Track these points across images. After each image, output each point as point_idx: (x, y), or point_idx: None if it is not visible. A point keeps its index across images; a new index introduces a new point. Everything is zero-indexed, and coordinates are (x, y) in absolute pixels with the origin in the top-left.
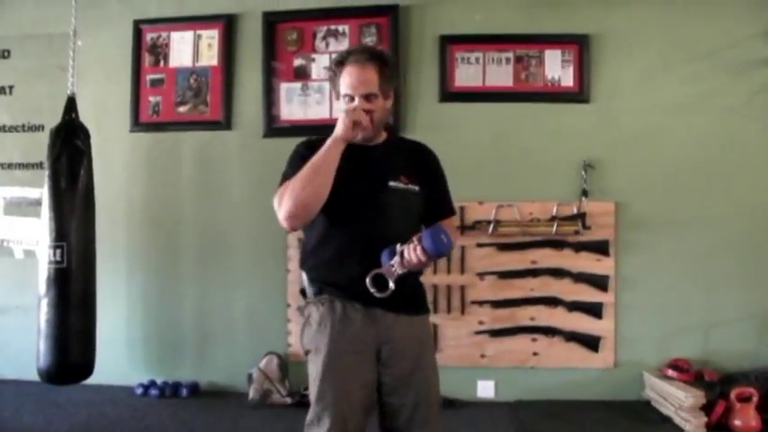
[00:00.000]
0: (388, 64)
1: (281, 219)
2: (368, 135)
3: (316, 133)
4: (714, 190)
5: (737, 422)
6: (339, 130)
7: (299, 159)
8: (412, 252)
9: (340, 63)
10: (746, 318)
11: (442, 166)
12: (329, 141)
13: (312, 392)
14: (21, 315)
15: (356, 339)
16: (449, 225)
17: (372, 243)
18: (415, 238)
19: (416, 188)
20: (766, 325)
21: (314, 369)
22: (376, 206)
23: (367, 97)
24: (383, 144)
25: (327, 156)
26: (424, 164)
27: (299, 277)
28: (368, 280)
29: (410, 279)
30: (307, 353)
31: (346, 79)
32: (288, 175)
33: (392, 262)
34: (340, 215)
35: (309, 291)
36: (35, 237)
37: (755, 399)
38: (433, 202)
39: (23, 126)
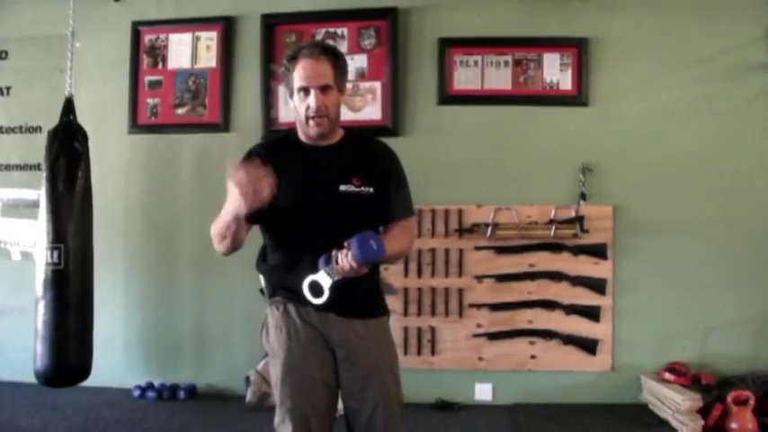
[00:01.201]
0: (339, 58)
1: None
2: (324, 131)
3: None
4: (712, 194)
5: (734, 425)
6: (230, 206)
7: None
8: (343, 258)
9: (293, 58)
10: (743, 321)
11: (398, 163)
12: (226, 217)
13: (275, 395)
14: (17, 317)
15: (311, 342)
16: (403, 227)
17: (322, 250)
18: (346, 243)
19: (370, 189)
20: (763, 329)
21: (274, 372)
22: (326, 212)
23: (323, 89)
24: (337, 144)
25: (225, 214)
26: (378, 163)
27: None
28: (305, 286)
29: (363, 282)
30: (265, 355)
31: (301, 72)
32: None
33: (327, 268)
34: (290, 222)
35: (266, 291)
36: (32, 238)
37: (752, 402)
38: (384, 203)
39: (21, 127)
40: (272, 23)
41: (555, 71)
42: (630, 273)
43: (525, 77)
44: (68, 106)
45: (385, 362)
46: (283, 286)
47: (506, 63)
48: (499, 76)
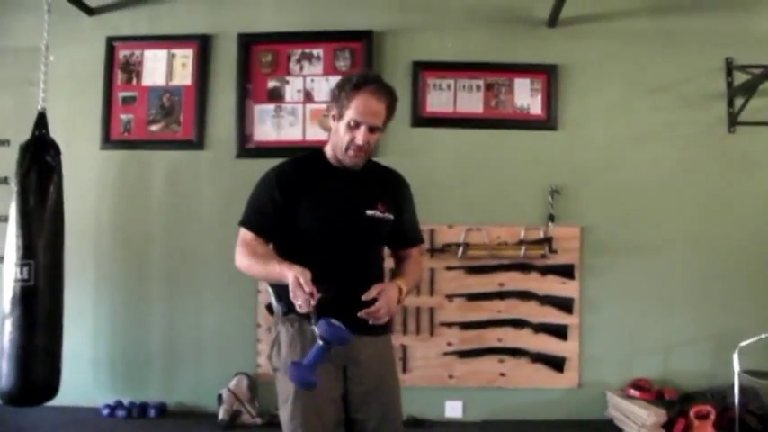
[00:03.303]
0: (396, 101)
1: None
2: (360, 164)
3: (288, 155)
4: (674, 216)
5: None
6: (288, 284)
7: (266, 197)
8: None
9: (356, 87)
10: (703, 339)
11: (411, 193)
12: (278, 271)
13: (285, 410)
14: None
15: (325, 359)
16: (417, 260)
17: (342, 270)
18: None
19: (391, 216)
20: (722, 346)
21: (285, 388)
22: (351, 234)
23: (372, 129)
24: (364, 171)
25: (275, 276)
26: (398, 192)
27: (268, 297)
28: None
29: (373, 303)
30: (275, 370)
31: (359, 106)
32: (252, 209)
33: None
34: (314, 239)
35: (278, 308)
36: None
37: (713, 416)
38: (403, 230)
39: None
40: (248, 43)
41: (525, 96)
42: (596, 292)
43: (497, 101)
44: (41, 120)
45: (390, 376)
46: None
47: (478, 87)
48: (471, 100)
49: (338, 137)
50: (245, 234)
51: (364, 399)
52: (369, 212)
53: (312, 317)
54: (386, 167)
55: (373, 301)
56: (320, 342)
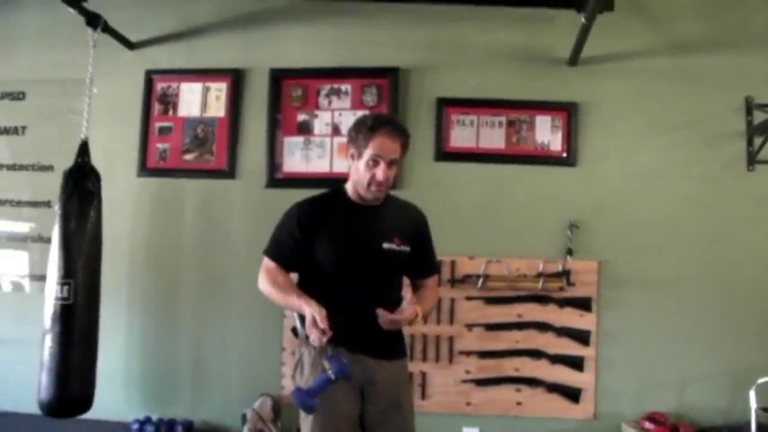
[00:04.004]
0: (408, 138)
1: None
2: (381, 198)
3: (316, 186)
4: (690, 252)
5: None
6: (301, 308)
7: (287, 232)
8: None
9: (372, 129)
10: (719, 374)
11: (428, 226)
12: (297, 305)
13: (306, 425)
14: (20, 349)
15: (344, 380)
16: (432, 289)
17: (360, 299)
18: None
19: (407, 249)
20: (738, 382)
21: None
22: (369, 266)
23: (390, 163)
24: (382, 205)
25: (292, 306)
26: (415, 226)
27: (293, 321)
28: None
29: (390, 329)
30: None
31: (379, 145)
32: (276, 241)
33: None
34: (335, 271)
35: (301, 332)
36: (23, 270)
37: None
38: (420, 262)
39: (33, 165)
40: (279, 77)
41: (546, 132)
42: (613, 325)
43: (518, 138)
44: (83, 148)
45: (405, 397)
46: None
47: (500, 123)
48: (493, 136)
49: (359, 174)
50: (267, 262)
51: (380, 418)
52: (385, 245)
53: (325, 351)
54: (404, 201)
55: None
56: (330, 375)
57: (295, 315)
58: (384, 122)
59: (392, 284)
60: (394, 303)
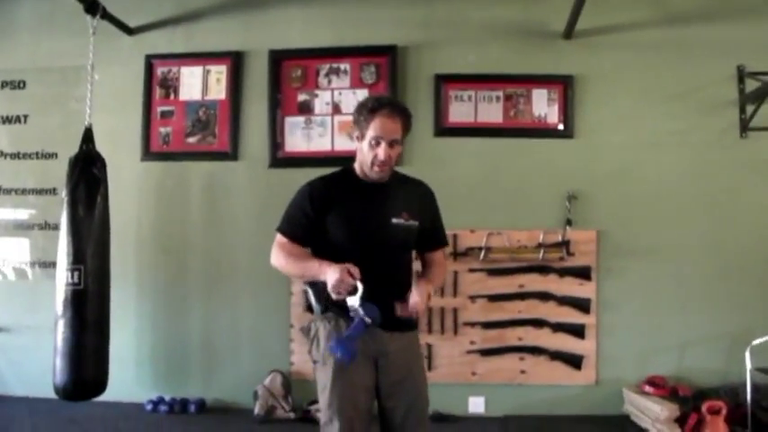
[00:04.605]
0: (409, 118)
1: (271, 263)
2: (385, 177)
3: (319, 165)
4: (686, 220)
5: None
6: (329, 283)
7: (299, 209)
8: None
9: (372, 110)
10: (716, 338)
11: (436, 201)
12: (317, 268)
13: (323, 397)
14: (33, 335)
15: (359, 352)
16: (441, 264)
17: (373, 272)
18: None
19: (416, 223)
20: (734, 344)
21: (323, 378)
22: (379, 240)
23: (391, 143)
24: (389, 182)
25: (311, 275)
26: (423, 201)
27: (300, 298)
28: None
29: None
30: (315, 362)
31: (378, 126)
32: (289, 218)
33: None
34: (347, 247)
35: (316, 307)
36: (25, 257)
37: (724, 411)
38: (428, 236)
39: (37, 153)
40: (279, 58)
41: (543, 106)
42: (613, 293)
43: (515, 111)
44: (87, 135)
45: (417, 368)
46: (336, 303)
47: (498, 98)
48: (491, 110)
49: (363, 154)
50: (280, 238)
51: (393, 388)
52: (394, 220)
53: (339, 326)
54: (411, 178)
55: (405, 297)
56: (366, 320)
57: (309, 291)
58: (384, 104)
59: (402, 259)
60: (404, 278)
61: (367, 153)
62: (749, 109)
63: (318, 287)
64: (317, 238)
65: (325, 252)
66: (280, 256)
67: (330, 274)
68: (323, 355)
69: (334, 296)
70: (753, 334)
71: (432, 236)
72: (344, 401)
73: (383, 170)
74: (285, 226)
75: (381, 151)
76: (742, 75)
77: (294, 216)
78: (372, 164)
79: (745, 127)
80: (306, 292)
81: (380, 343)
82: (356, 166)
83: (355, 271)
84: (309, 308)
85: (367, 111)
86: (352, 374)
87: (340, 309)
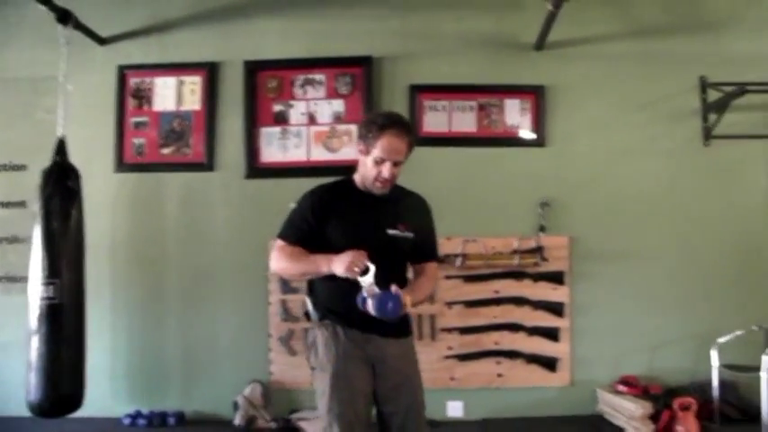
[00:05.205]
0: (414, 138)
1: (271, 268)
2: (386, 193)
3: (295, 175)
4: (656, 225)
5: (680, 428)
6: (340, 268)
7: (301, 217)
8: (369, 308)
9: (382, 128)
10: (685, 338)
11: (431, 214)
12: (324, 263)
13: (322, 403)
14: (1, 352)
15: (355, 359)
16: (430, 276)
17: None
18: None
19: (411, 235)
20: (702, 344)
21: (321, 384)
22: (376, 250)
23: (396, 164)
24: (388, 195)
25: (317, 269)
26: (418, 214)
27: (279, 308)
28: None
29: None
30: (313, 369)
31: (385, 145)
32: (290, 224)
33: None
34: None
35: (314, 315)
36: None
37: (695, 408)
38: (421, 248)
39: (5, 165)
40: (254, 69)
41: (516, 115)
42: (585, 297)
43: (489, 121)
44: (60, 147)
45: (413, 373)
46: (333, 310)
47: (471, 108)
48: (465, 120)
49: (366, 169)
50: (280, 243)
51: (391, 393)
52: (391, 232)
53: (336, 333)
54: (409, 191)
55: None
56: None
57: (307, 300)
58: (394, 122)
59: (398, 268)
60: (400, 286)
61: (371, 168)
62: (711, 118)
63: (317, 295)
64: (316, 245)
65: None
66: (281, 258)
67: (340, 259)
68: (322, 362)
69: (350, 276)
70: (718, 333)
71: (424, 249)
72: (344, 406)
73: (385, 187)
74: (286, 231)
75: (386, 170)
76: (704, 85)
77: (295, 222)
78: (375, 180)
79: (708, 135)
80: (305, 301)
81: (378, 349)
82: (357, 177)
83: (363, 253)
84: (307, 315)
85: (377, 128)
86: (350, 380)
87: (337, 316)
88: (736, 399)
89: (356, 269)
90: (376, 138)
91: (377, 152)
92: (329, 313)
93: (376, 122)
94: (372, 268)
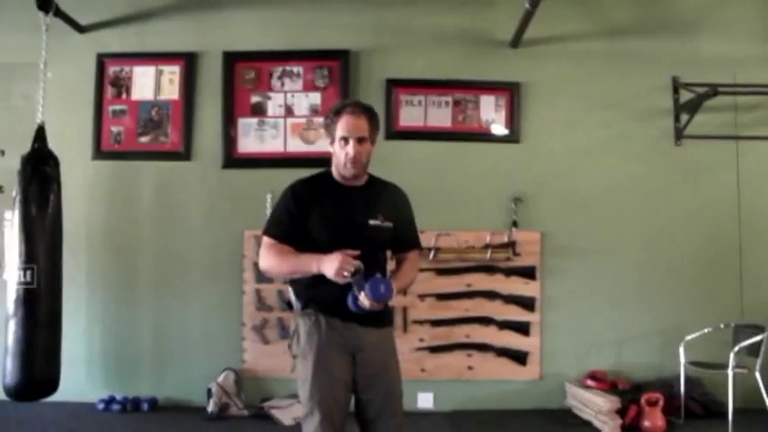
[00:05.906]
0: (374, 116)
1: (260, 266)
2: (357, 173)
3: (272, 166)
4: (626, 221)
5: (647, 423)
6: (330, 271)
7: (284, 210)
8: (363, 300)
9: (337, 112)
10: (652, 334)
11: (410, 204)
12: (314, 263)
13: (303, 390)
14: None
15: (336, 347)
16: (412, 262)
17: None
18: (362, 286)
19: (390, 225)
20: (669, 340)
21: (303, 371)
22: (357, 240)
23: (360, 140)
24: (365, 185)
25: (306, 269)
26: (398, 204)
27: (253, 297)
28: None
29: None
30: (295, 357)
31: (343, 125)
32: (274, 220)
33: (354, 307)
34: (325, 245)
35: (296, 305)
36: None
37: (661, 403)
38: (401, 237)
39: None
40: (232, 60)
41: (490, 111)
42: (556, 292)
43: (464, 116)
44: (40, 133)
45: (391, 363)
46: (315, 300)
47: (447, 103)
48: (440, 115)
49: (336, 156)
50: (268, 240)
51: (369, 381)
52: (371, 222)
53: (318, 322)
54: (387, 182)
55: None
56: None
57: (290, 289)
58: (347, 104)
59: (378, 258)
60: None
61: (339, 153)
62: (683, 118)
63: (299, 284)
64: (300, 238)
65: (307, 251)
66: (270, 256)
67: (330, 262)
68: (304, 350)
69: (340, 281)
70: (685, 330)
71: (404, 238)
72: (324, 394)
73: (356, 167)
74: (272, 228)
75: (350, 148)
76: (677, 85)
77: (279, 217)
78: (345, 163)
79: (679, 135)
80: (288, 290)
81: (357, 338)
82: (333, 170)
83: (352, 253)
84: (289, 305)
85: (333, 113)
86: (331, 368)
87: (319, 305)
88: (701, 395)
89: (345, 274)
90: (335, 122)
91: (339, 133)
92: (311, 302)
93: (332, 109)
94: (362, 268)
